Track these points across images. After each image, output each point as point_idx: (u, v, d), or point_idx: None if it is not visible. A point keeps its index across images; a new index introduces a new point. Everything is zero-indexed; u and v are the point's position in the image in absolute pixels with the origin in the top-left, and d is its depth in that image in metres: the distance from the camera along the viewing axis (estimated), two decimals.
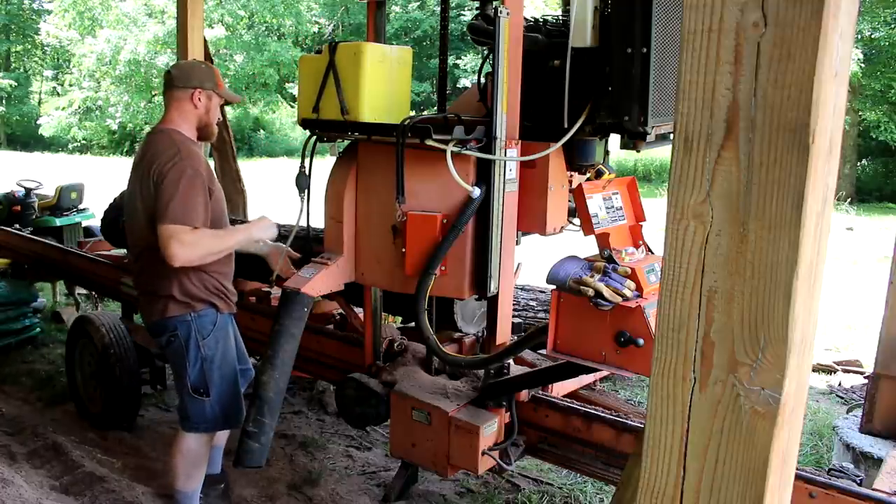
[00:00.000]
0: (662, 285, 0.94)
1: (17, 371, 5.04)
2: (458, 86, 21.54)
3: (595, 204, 2.42)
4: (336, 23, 29.29)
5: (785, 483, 0.96)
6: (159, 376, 4.30)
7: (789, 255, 0.85)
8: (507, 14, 2.41)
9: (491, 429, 2.64)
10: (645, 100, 2.32)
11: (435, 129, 2.39)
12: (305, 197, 2.84)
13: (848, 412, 3.92)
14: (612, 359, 2.22)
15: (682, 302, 0.92)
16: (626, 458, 2.20)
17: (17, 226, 6.38)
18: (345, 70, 2.59)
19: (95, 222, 6.49)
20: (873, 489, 2.35)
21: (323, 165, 2.92)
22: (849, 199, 15.99)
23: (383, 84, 2.65)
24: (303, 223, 2.92)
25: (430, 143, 2.38)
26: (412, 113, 2.75)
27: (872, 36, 17.09)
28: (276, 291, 3.73)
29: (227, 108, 3.13)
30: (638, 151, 2.56)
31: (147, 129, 27.65)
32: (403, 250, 2.59)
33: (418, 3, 27.09)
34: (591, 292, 2.17)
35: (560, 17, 2.75)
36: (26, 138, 30.27)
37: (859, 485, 2.33)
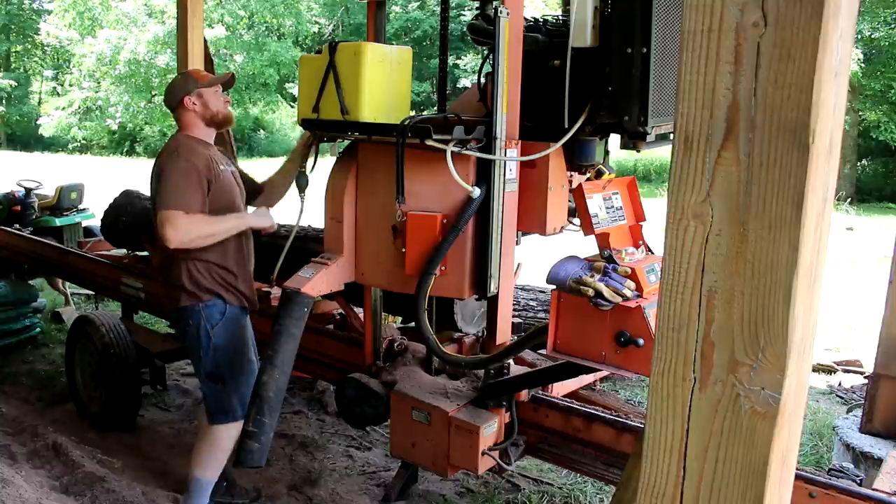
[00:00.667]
0: (662, 285, 0.94)
1: (17, 371, 5.04)
2: (458, 86, 21.53)
3: (595, 204, 2.42)
4: (336, 23, 29.31)
5: (785, 483, 0.96)
6: (159, 376, 4.29)
7: (789, 255, 0.85)
8: (507, 14, 2.41)
9: (491, 429, 2.64)
10: (645, 100, 2.32)
11: (435, 129, 2.39)
12: (304, 197, 2.91)
13: (848, 412, 3.92)
14: (611, 359, 2.22)
15: (682, 302, 0.92)
16: (626, 458, 2.20)
17: (17, 226, 6.38)
18: (345, 70, 2.59)
19: (95, 222, 6.48)
20: (873, 489, 2.35)
21: (323, 165, 2.92)
22: (849, 199, 16.00)
23: (383, 84, 2.65)
24: (302, 223, 2.94)
25: (430, 143, 2.37)
26: (412, 113, 2.75)
27: (872, 36, 17.08)
28: (276, 291, 3.73)
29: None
30: (638, 151, 2.56)
31: (147, 129, 27.78)
32: (403, 250, 2.59)
33: (418, 3, 27.10)
34: (591, 292, 2.17)
35: (560, 17, 2.75)
36: (26, 138, 30.28)
37: (859, 485, 2.33)
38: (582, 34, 2.37)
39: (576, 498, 3.49)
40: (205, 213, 2.85)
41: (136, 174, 16.93)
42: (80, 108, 27.84)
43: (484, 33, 2.56)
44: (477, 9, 2.64)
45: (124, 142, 28.42)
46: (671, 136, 1.64)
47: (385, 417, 2.89)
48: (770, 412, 0.88)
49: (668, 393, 0.95)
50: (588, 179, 2.68)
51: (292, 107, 27.18)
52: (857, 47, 16.18)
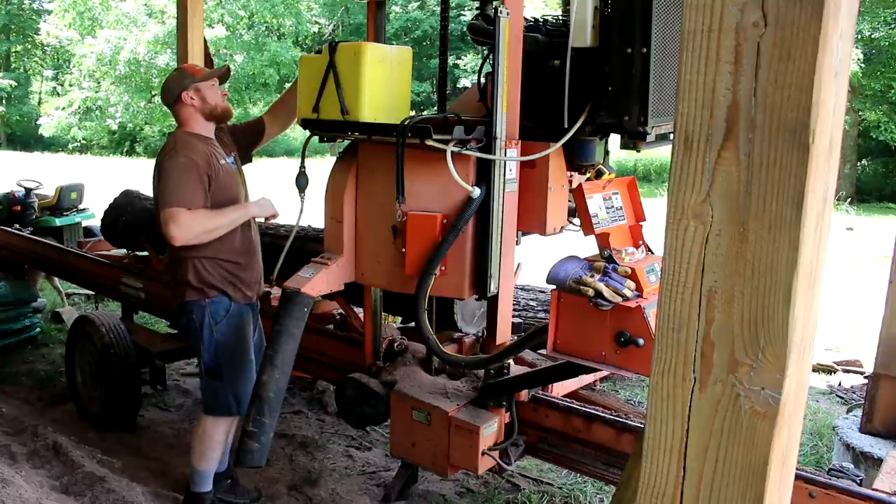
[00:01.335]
0: (662, 285, 0.94)
1: (17, 371, 5.04)
2: (458, 86, 21.53)
3: (595, 204, 2.42)
4: (336, 23, 29.31)
5: (785, 483, 0.96)
6: (159, 376, 4.29)
7: (789, 255, 0.85)
8: (507, 14, 2.41)
9: (491, 429, 2.64)
10: (645, 100, 2.32)
11: (435, 129, 2.38)
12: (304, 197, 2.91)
13: (848, 412, 3.92)
14: (611, 359, 2.22)
15: (682, 302, 0.92)
16: (626, 458, 2.20)
17: (17, 226, 6.38)
18: (345, 70, 2.59)
19: (95, 222, 6.48)
20: (873, 489, 2.35)
21: (323, 165, 2.92)
22: (849, 199, 16.00)
23: (383, 84, 2.65)
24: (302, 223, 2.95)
25: (430, 143, 2.37)
26: (412, 113, 2.75)
27: (872, 36, 17.08)
28: (276, 291, 3.73)
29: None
30: (638, 151, 2.56)
31: (147, 129, 27.79)
32: (403, 250, 2.59)
33: (418, 3, 27.09)
34: (591, 292, 2.17)
35: (560, 17, 2.75)
36: (26, 138, 30.28)
37: (859, 485, 2.33)
38: (582, 34, 2.37)
39: (576, 498, 3.49)
40: (207, 208, 2.87)
41: (136, 174, 16.93)
42: (80, 108, 27.84)
43: (484, 33, 2.56)
44: (477, 9, 2.64)
45: (124, 142, 28.42)
46: (671, 136, 1.64)
47: (385, 417, 2.89)
48: (770, 412, 0.88)
49: (668, 393, 0.95)
50: (588, 179, 2.68)
51: None
52: (857, 47, 16.18)
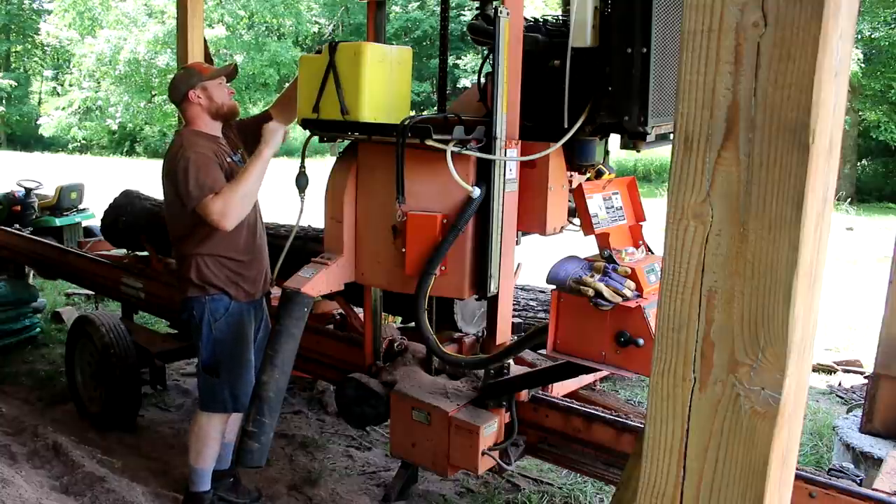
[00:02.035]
0: (662, 285, 0.94)
1: (17, 371, 5.04)
2: (458, 86, 21.53)
3: (595, 204, 2.42)
4: (336, 23, 29.30)
5: (785, 483, 0.96)
6: (159, 376, 4.30)
7: (789, 255, 0.85)
8: (507, 14, 2.41)
9: (491, 429, 2.64)
10: (645, 100, 2.31)
11: (435, 129, 2.38)
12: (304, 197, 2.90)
13: (848, 412, 3.92)
14: (611, 359, 2.22)
15: (682, 302, 0.92)
16: (626, 458, 2.20)
17: (17, 226, 6.38)
18: (345, 70, 2.59)
19: (95, 222, 6.49)
20: (873, 489, 2.35)
21: (323, 165, 2.92)
22: (849, 199, 16.00)
23: (383, 84, 2.65)
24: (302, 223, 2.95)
25: (430, 143, 2.37)
26: (412, 113, 2.75)
27: (872, 36, 17.08)
28: (276, 291, 3.73)
29: None
30: (638, 151, 2.55)
31: (147, 129, 27.80)
32: (403, 250, 2.59)
33: (418, 3, 27.09)
34: (591, 292, 2.17)
35: (560, 17, 2.75)
36: (26, 138, 30.28)
37: (859, 485, 2.33)
38: (582, 34, 2.37)
39: (576, 498, 3.49)
40: None
41: (136, 174, 16.94)
42: (80, 108, 27.85)
43: (484, 33, 2.56)
44: (477, 9, 2.64)
45: (124, 142, 28.42)
46: (671, 136, 1.64)
47: (385, 417, 2.89)
48: (770, 412, 0.88)
49: (668, 393, 0.95)
50: (588, 179, 2.68)
51: None
52: (857, 47, 16.18)
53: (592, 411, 2.68)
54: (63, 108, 28.27)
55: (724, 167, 0.88)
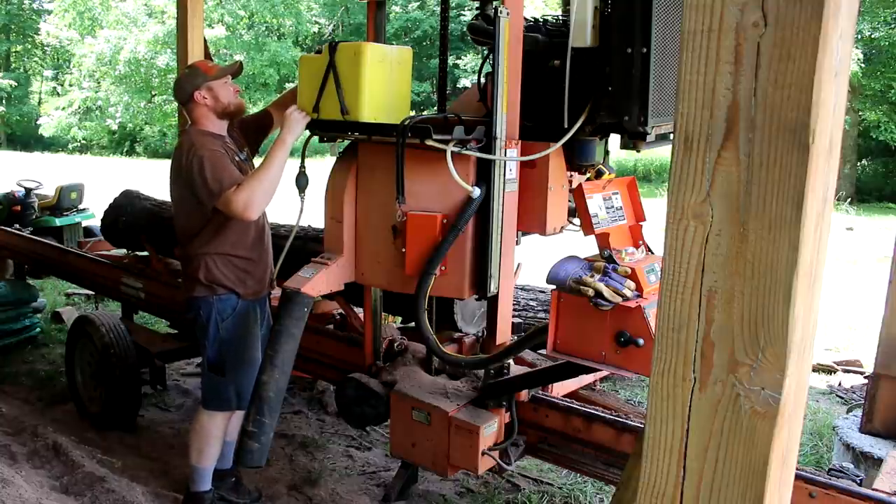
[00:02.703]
0: (662, 285, 0.94)
1: (17, 371, 5.04)
2: (458, 86, 21.52)
3: (595, 204, 2.42)
4: (336, 23, 29.30)
5: (785, 483, 0.96)
6: (159, 376, 4.29)
7: (789, 255, 0.85)
8: (507, 14, 2.41)
9: (491, 429, 2.64)
10: (645, 100, 2.32)
11: (435, 129, 2.38)
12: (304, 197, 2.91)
13: (848, 412, 3.92)
14: (611, 359, 2.22)
15: (682, 302, 0.92)
16: (626, 458, 2.20)
17: (17, 226, 6.38)
18: (345, 70, 2.59)
19: (95, 222, 6.49)
20: (873, 489, 2.35)
21: (323, 165, 2.92)
22: (849, 199, 16.00)
23: (383, 84, 2.65)
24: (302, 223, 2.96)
25: (430, 143, 2.37)
26: (412, 113, 2.75)
27: (872, 36, 17.08)
28: (276, 291, 3.74)
29: None
30: (638, 151, 2.55)
31: (147, 129, 27.79)
32: (403, 250, 2.59)
33: (418, 3, 27.09)
34: (591, 292, 2.17)
35: (560, 17, 2.75)
36: (26, 138, 30.28)
37: (859, 485, 2.33)
38: (582, 34, 2.37)
39: (576, 498, 3.49)
40: None
41: (136, 174, 16.94)
42: (80, 108, 27.85)
43: (484, 33, 2.56)
44: (477, 9, 2.64)
45: (124, 142, 28.42)
46: (671, 136, 1.64)
47: (385, 417, 2.89)
48: (770, 412, 0.88)
49: (668, 393, 0.95)
50: (588, 179, 2.68)
51: None
52: (857, 47, 16.18)
53: (592, 411, 2.68)
54: (63, 108, 28.28)
55: (724, 167, 0.88)
